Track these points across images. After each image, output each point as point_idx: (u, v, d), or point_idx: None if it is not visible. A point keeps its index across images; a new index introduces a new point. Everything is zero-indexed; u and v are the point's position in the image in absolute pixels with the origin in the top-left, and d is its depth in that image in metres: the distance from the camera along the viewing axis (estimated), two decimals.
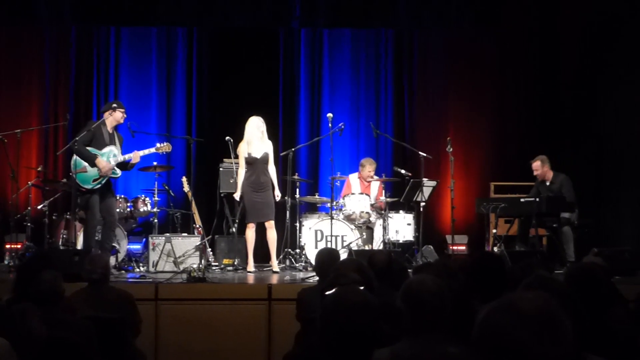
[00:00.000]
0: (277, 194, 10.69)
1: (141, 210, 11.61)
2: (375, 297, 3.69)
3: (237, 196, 10.69)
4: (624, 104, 12.69)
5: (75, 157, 9.98)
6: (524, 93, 14.11)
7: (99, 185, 9.91)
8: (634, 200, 12.31)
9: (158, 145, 10.45)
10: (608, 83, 13.11)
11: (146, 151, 10.39)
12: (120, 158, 10.08)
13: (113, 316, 5.88)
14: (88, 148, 9.90)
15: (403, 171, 11.76)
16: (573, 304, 3.53)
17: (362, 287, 4.25)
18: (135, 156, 10.19)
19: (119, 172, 10.17)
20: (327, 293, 3.86)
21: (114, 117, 10.13)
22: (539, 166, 11.59)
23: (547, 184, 11.58)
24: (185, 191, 11.98)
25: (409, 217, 11.69)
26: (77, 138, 9.87)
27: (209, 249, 11.40)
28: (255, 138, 10.52)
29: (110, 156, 10.01)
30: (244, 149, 10.53)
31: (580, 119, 13.54)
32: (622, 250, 10.35)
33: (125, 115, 10.25)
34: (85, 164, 9.88)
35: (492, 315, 2.28)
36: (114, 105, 10.27)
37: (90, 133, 9.93)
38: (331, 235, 10.72)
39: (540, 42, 14.10)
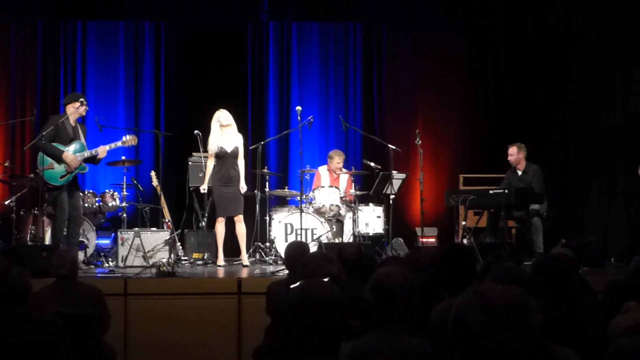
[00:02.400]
0: (242, 187, 10.62)
1: (110, 205, 11.56)
2: (341, 289, 3.70)
3: (203, 188, 10.66)
4: (592, 97, 12.80)
5: (41, 154, 9.86)
6: (492, 86, 14.18)
7: (67, 182, 9.82)
8: (602, 192, 12.43)
9: (124, 138, 10.32)
10: (576, 77, 13.22)
11: (112, 145, 10.26)
12: (87, 153, 9.95)
13: (81, 312, 5.84)
14: (53, 144, 9.79)
15: (372, 164, 11.78)
16: (541, 295, 3.55)
17: (327, 279, 4.25)
18: (102, 150, 10.06)
19: (85, 167, 10.08)
20: (292, 286, 3.85)
21: (78, 112, 10.02)
22: (515, 152, 11.62)
23: (519, 173, 11.63)
24: (154, 185, 11.93)
25: (378, 210, 11.71)
26: (43, 133, 9.73)
27: (179, 244, 11.37)
28: (217, 132, 10.49)
29: (76, 152, 9.90)
30: (213, 143, 10.48)
31: (548, 112, 13.64)
32: (589, 242, 10.45)
33: (87, 108, 10.18)
34: (52, 160, 9.77)
35: (460, 309, 2.28)
36: (81, 99, 10.15)
37: (55, 128, 9.81)
38: (301, 229, 10.73)
39: (509, 36, 14.18)
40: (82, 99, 10.11)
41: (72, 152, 9.84)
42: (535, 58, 14.05)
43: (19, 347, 4.57)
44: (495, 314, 2.19)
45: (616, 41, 12.35)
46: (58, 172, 9.78)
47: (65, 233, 9.97)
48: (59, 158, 9.73)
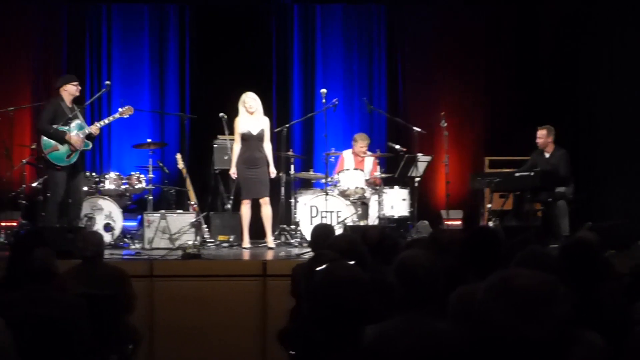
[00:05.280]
0: (273, 171, 10.67)
1: (136, 187, 11.60)
2: (365, 272, 3.69)
3: (233, 172, 10.61)
4: (616, 76, 12.69)
5: (43, 138, 9.97)
6: (515, 67, 14.05)
7: (75, 160, 9.92)
8: (627, 174, 12.33)
9: (120, 110, 10.46)
10: (600, 57, 13.11)
11: (106, 120, 10.49)
12: (87, 130, 10.07)
13: (106, 293, 5.88)
14: (54, 126, 9.89)
15: (397, 146, 11.74)
16: (566, 279, 3.53)
17: (352, 262, 4.24)
18: (94, 128, 10.20)
19: (88, 144, 10.17)
20: (318, 269, 3.85)
21: (68, 92, 10.13)
22: (544, 135, 11.49)
23: (547, 155, 11.52)
24: (180, 168, 11.93)
25: (403, 193, 11.67)
26: (41, 122, 9.93)
27: (204, 226, 11.39)
28: (244, 115, 10.49)
29: (78, 130, 9.98)
30: (239, 125, 10.49)
31: (573, 93, 13.53)
32: (615, 224, 10.37)
33: (79, 87, 10.28)
34: (55, 142, 9.88)
35: (486, 295, 2.26)
36: (67, 79, 10.31)
37: (53, 111, 9.93)
38: (326, 211, 10.72)
39: (529, 16, 14.05)
40: (75, 82, 10.20)
41: (73, 131, 9.92)
42: (557, 37, 13.93)
43: (42, 327, 4.62)
44: (520, 303, 2.16)
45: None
46: (63, 153, 9.91)
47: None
48: (62, 139, 9.83)
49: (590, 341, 3.13)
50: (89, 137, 10.14)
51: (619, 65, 12.60)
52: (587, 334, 3.17)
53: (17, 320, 4.26)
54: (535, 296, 2.18)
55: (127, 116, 10.56)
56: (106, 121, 10.47)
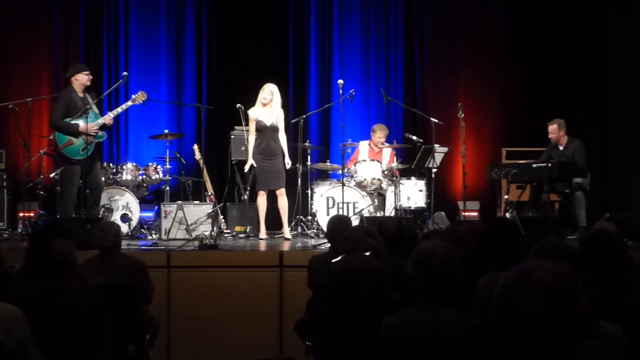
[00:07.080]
0: (288, 162, 10.68)
1: (153, 177, 11.65)
2: (382, 263, 3.68)
3: (247, 166, 10.63)
4: (633, 68, 12.64)
5: (57, 132, 10.00)
6: (533, 58, 14.01)
7: (90, 152, 9.92)
8: None
9: (133, 96, 10.46)
10: (617, 47, 13.06)
11: (119, 109, 10.51)
12: (101, 121, 10.07)
13: (124, 284, 5.91)
14: (67, 120, 9.90)
15: (414, 137, 11.71)
16: (585, 270, 3.51)
17: (368, 253, 4.24)
18: (108, 118, 10.20)
19: (103, 134, 10.18)
20: (334, 260, 3.85)
21: (80, 82, 10.13)
22: (555, 129, 11.48)
23: (561, 148, 11.50)
24: (197, 159, 11.95)
25: (420, 184, 11.66)
26: (53, 118, 9.97)
27: (221, 216, 11.41)
28: (258, 105, 10.51)
29: (91, 120, 9.95)
30: (253, 116, 10.50)
31: (590, 83, 13.48)
32: (633, 216, 10.33)
33: (91, 77, 10.27)
34: (70, 136, 9.90)
35: (505, 288, 2.24)
36: (78, 68, 10.31)
37: (65, 105, 9.94)
38: (342, 202, 10.71)
39: (547, 6, 13.99)
40: (86, 71, 10.20)
41: (87, 122, 9.90)
42: (575, 28, 13.86)
43: (61, 317, 4.64)
44: (542, 295, 2.14)
45: None
46: (78, 146, 9.92)
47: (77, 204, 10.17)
48: (76, 133, 9.85)
49: (609, 333, 3.13)
50: (102, 127, 10.15)
51: (638, 54, 12.54)
52: (607, 325, 3.17)
53: (36, 311, 4.28)
54: (559, 288, 2.16)
55: (141, 102, 10.53)
56: (119, 110, 10.49)
